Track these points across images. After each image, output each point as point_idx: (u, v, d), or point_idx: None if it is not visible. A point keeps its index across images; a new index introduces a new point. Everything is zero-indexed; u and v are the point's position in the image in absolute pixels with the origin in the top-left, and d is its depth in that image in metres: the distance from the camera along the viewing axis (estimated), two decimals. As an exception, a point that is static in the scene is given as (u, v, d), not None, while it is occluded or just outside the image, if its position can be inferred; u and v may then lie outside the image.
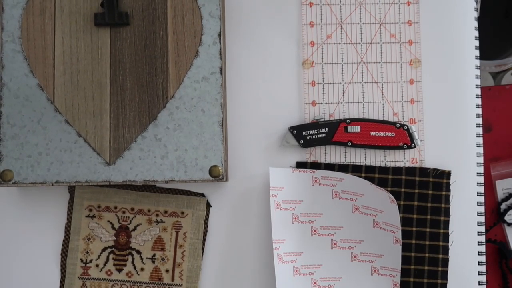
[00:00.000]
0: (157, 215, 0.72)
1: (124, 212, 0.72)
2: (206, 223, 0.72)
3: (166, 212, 0.72)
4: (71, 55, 0.69)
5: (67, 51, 0.69)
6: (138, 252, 0.72)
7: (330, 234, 0.73)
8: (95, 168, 0.68)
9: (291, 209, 0.72)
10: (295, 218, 0.72)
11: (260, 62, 0.75)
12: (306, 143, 0.73)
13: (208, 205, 0.73)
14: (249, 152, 0.74)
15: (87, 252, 0.72)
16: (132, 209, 0.72)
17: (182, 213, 0.72)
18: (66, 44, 0.70)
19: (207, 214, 0.72)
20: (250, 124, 0.75)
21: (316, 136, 0.74)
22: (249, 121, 0.75)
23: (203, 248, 0.72)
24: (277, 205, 0.71)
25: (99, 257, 0.72)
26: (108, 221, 0.72)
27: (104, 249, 0.72)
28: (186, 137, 0.69)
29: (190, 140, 0.69)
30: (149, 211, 0.72)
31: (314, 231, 0.73)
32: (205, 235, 0.72)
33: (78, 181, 0.68)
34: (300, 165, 0.74)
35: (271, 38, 0.76)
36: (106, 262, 0.72)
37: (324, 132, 0.74)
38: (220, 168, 0.68)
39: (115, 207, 0.72)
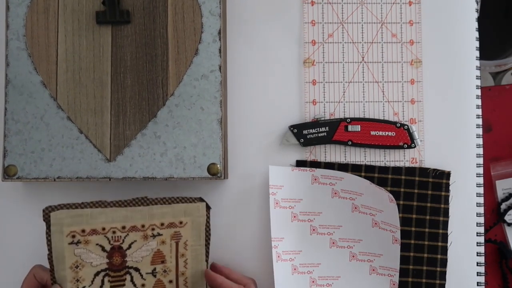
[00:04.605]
0: (153, 229, 0.64)
1: (114, 232, 0.63)
2: (208, 226, 0.66)
3: (162, 224, 0.64)
4: (73, 52, 0.67)
5: (70, 49, 0.67)
6: (137, 269, 0.64)
7: (329, 233, 0.70)
8: (95, 164, 0.66)
9: (290, 207, 0.70)
10: (294, 216, 0.70)
11: (261, 60, 0.73)
12: (306, 142, 0.71)
13: (208, 208, 0.66)
14: (249, 150, 0.72)
15: (77, 280, 0.63)
16: (124, 227, 0.63)
17: (181, 222, 0.65)
18: (68, 42, 0.67)
19: (208, 217, 0.66)
20: (251, 122, 0.73)
21: (316, 135, 0.71)
22: (249, 119, 0.73)
23: (207, 251, 0.66)
24: (277, 203, 0.69)
25: (92, 283, 0.63)
26: (97, 244, 0.63)
27: (97, 274, 0.63)
28: (185, 135, 0.66)
29: (189, 137, 0.66)
30: (143, 226, 0.64)
31: (313, 229, 0.70)
32: (208, 239, 0.66)
33: (79, 177, 0.66)
34: (300, 163, 0.72)
35: (272, 36, 0.73)
36: (101, 286, 0.63)
37: (324, 131, 0.71)
38: (218, 166, 0.66)
39: (103, 229, 0.62)
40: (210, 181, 0.71)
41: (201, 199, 0.65)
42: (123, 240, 0.63)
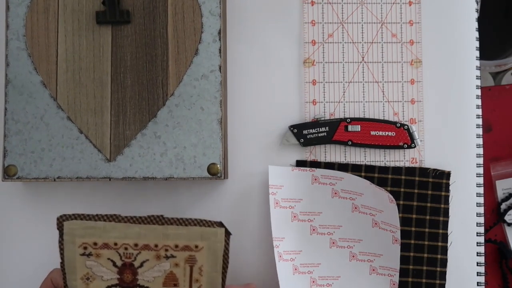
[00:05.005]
0: (166, 250, 0.60)
1: (126, 249, 0.60)
2: (226, 253, 0.61)
3: (176, 246, 0.60)
4: (73, 52, 0.67)
5: (70, 49, 0.67)
6: None
7: (329, 233, 0.70)
8: (96, 164, 0.66)
9: (290, 207, 0.70)
10: (294, 216, 0.70)
11: (261, 60, 0.73)
12: (306, 142, 0.71)
13: (228, 233, 0.61)
14: (249, 150, 0.72)
15: None
16: (136, 245, 0.60)
17: (196, 246, 0.60)
18: (68, 42, 0.67)
19: (227, 244, 0.61)
20: (251, 122, 0.72)
21: (316, 135, 0.71)
22: (249, 119, 0.72)
23: (224, 280, 0.61)
24: (276, 203, 0.68)
25: None
26: (108, 258, 0.61)
27: None
28: (185, 135, 0.66)
29: (189, 137, 0.66)
30: (156, 246, 0.60)
31: (313, 229, 0.70)
32: (226, 266, 0.61)
33: (79, 177, 0.66)
34: (300, 163, 0.72)
35: (272, 36, 0.73)
36: None
37: (324, 131, 0.71)
38: (218, 166, 0.65)
39: (115, 244, 0.60)
40: (210, 181, 0.71)
41: (220, 224, 0.61)
42: (135, 258, 0.61)
